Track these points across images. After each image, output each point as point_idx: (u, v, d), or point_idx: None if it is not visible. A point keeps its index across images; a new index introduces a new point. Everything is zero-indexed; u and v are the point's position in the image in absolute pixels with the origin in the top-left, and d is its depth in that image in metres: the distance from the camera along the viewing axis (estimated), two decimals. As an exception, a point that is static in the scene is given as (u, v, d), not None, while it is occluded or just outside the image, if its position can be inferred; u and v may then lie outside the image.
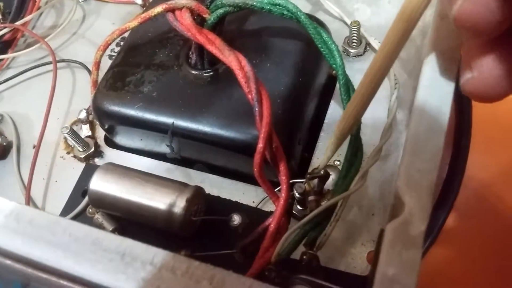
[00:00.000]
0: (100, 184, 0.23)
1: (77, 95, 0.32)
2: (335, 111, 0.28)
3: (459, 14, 0.14)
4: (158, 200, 0.23)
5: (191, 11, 0.24)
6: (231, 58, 0.22)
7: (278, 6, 0.23)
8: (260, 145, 0.20)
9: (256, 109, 0.21)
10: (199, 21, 0.24)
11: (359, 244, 0.23)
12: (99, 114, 0.27)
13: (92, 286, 0.17)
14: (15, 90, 0.33)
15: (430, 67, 0.19)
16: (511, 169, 0.38)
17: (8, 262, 0.18)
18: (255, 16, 0.27)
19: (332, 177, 0.25)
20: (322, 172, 0.24)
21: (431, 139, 0.17)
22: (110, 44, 0.26)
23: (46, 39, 0.32)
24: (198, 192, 0.23)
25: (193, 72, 0.26)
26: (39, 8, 0.36)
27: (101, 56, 0.27)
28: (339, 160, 0.26)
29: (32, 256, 0.17)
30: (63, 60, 0.32)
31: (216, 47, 0.22)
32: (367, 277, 0.22)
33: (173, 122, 0.24)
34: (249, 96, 0.21)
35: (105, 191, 0.23)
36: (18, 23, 0.33)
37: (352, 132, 0.22)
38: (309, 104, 0.26)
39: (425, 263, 0.17)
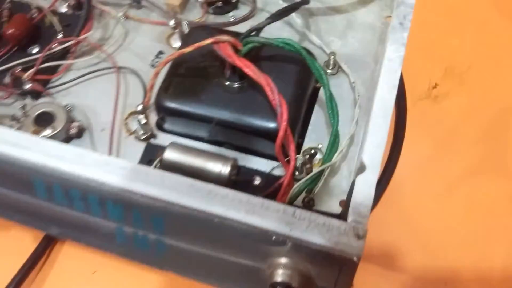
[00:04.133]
0: (171, 154, 0.35)
1: (129, 93, 0.43)
2: (318, 112, 0.41)
3: None
4: (211, 166, 0.35)
5: (231, 44, 0.37)
6: (261, 78, 0.35)
7: (288, 45, 0.37)
8: (281, 133, 0.34)
9: (278, 110, 0.34)
10: (235, 50, 0.37)
11: (334, 196, 0.37)
12: (160, 108, 0.39)
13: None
14: (77, 88, 0.44)
15: (381, 87, 0.33)
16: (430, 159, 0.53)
17: (150, 201, 0.29)
18: (268, 48, 0.40)
19: (317, 155, 0.38)
20: (312, 152, 0.38)
21: (381, 129, 0.31)
22: (169, 61, 0.38)
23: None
24: (235, 162, 0.36)
25: (227, 83, 0.39)
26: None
27: (161, 69, 0.39)
28: (321, 144, 0.39)
29: (167, 197, 0.29)
30: (120, 67, 0.44)
31: (251, 69, 0.35)
32: (340, 214, 0.35)
33: (217, 116, 0.37)
34: (273, 102, 0.34)
35: (174, 159, 0.35)
36: (82, 36, 0.44)
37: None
38: (303, 107, 0.39)
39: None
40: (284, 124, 0.33)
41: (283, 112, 0.34)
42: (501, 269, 0.45)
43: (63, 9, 0.48)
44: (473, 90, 0.56)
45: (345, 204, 0.36)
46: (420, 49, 0.54)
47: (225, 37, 0.36)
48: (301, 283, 0.29)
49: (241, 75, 0.38)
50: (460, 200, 0.48)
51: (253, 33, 0.37)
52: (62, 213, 0.34)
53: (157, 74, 0.39)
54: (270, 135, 0.35)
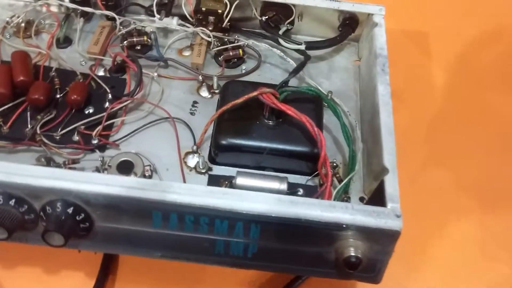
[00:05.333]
0: (242, 179, 0.47)
1: (181, 138, 0.53)
2: (326, 135, 0.56)
3: None
4: (272, 184, 0.48)
5: (271, 93, 0.50)
6: (301, 116, 0.48)
7: (311, 90, 0.51)
8: (323, 154, 0.47)
9: (318, 138, 0.48)
10: (274, 98, 0.50)
11: (353, 195, 0.52)
12: (218, 145, 0.50)
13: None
14: (135, 138, 0.53)
15: (382, 114, 0.49)
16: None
17: (252, 215, 0.40)
18: (295, 93, 0.53)
19: (339, 167, 0.53)
20: (334, 165, 0.52)
21: (390, 142, 0.46)
22: (224, 111, 0.50)
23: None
24: (287, 179, 0.49)
25: (266, 121, 0.51)
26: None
27: (216, 117, 0.50)
28: (335, 158, 0.54)
29: (264, 210, 0.41)
30: (174, 118, 0.54)
31: (292, 111, 0.49)
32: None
33: (266, 146, 0.50)
34: (314, 134, 0.48)
35: (244, 183, 0.47)
36: (136, 96, 0.53)
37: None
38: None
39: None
40: (323, 149, 0.47)
41: (322, 140, 0.47)
42: (452, 231, 0.62)
43: (101, 72, 0.57)
44: (409, 107, 0.75)
45: (364, 198, 0.51)
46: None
47: (267, 89, 0.49)
48: (363, 254, 0.42)
49: (277, 115, 0.51)
50: (419, 187, 0.66)
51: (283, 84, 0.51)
52: (169, 237, 0.44)
53: (212, 121, 0.51)
54: (309, 157, 0.49)
